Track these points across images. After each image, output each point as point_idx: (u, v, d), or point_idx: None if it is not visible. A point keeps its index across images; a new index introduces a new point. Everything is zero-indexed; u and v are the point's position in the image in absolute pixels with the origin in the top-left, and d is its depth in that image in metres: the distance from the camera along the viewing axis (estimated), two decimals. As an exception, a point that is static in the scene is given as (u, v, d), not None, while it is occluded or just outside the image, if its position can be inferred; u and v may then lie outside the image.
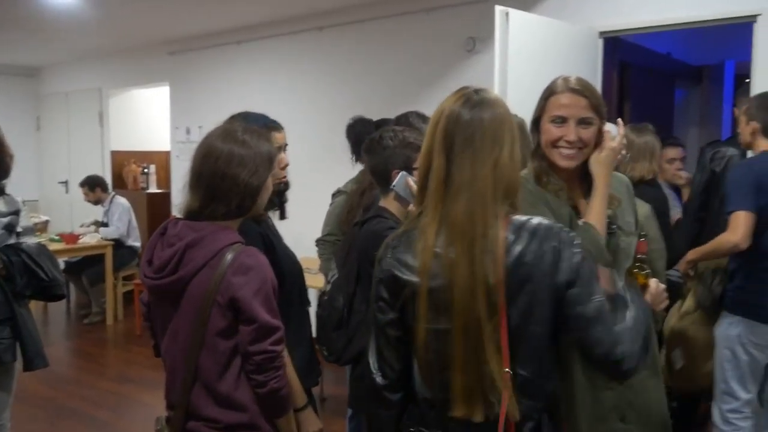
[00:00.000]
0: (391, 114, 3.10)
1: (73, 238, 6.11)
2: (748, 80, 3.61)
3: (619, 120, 1.84)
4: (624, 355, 1.30)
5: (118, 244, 6.28)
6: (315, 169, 5.27)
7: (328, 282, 2.39)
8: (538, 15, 3.95)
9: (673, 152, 3.76)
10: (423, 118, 2.82)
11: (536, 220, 1.33)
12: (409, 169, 2.08)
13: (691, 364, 3.03)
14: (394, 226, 1.96)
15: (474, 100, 1.37)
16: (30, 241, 2.64)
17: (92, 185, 6.37)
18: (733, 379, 2.77)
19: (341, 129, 3.26)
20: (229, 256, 1.63)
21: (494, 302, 1.28)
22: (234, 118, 1.98)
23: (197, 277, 1.64)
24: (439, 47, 4.81)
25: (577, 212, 1.75)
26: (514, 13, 3.44)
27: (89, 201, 6.46)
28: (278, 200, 2.04)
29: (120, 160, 7.87)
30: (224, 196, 1.66)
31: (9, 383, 2.68)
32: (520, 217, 1.33)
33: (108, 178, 7.32)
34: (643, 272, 1.61)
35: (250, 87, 6.15)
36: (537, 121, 1.77)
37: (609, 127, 1.76)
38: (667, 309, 2.80)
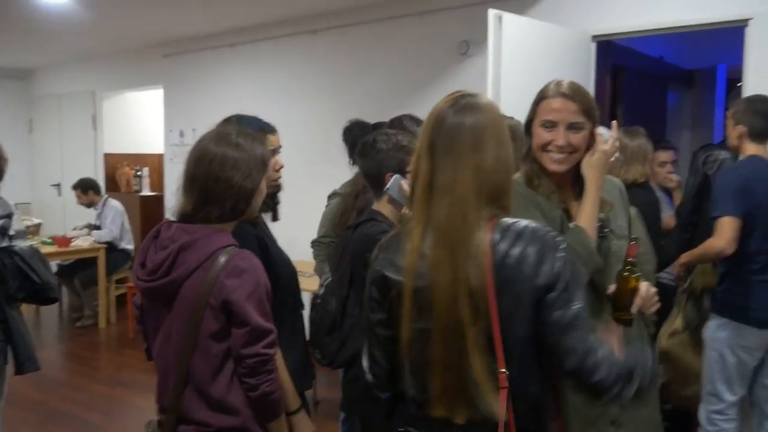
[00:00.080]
0: (385, 117, 3.11)
1: (65, 241, 6.09)
2: (740, 84, 3.63)
3: (614, 122, 1.86)
4: (596, 366, 1.28)
5: (110, 247, 6.26)
6: (309, 172, 5.28)
7: (321, 285, 2.40)
8: (532, 18, 3.97)
9: (664, 155, 3.79)
10: (417, 121, 2.83)
11: (524, 222, 1.33)
12: (403, 172, 2.08)
13: (672, 384, 3.08)
14: (387, 230, 1.96)
15: (459, 104, 1.37)
16: (22, 244, 2.63)
17: (85, 188, 6.35)
18: (720, 381, 2.79)
19: (335, 132, 3.27)
20: (222, 259, 1.63)
21: (478, 306, 1.28)
22: (228, 121, 1.98)
23: (190, 279, 1.63)
24: (433, 50, 4.82)
25: (568, 215, 1.76)
26: (507, 16, 3.45)
27: (82, 204, 6.44)
28: (271, 202, 2.04)
29: (113, 162, 7.85)
30: (218, 199, 1.66)
31: (0, 386, 2.67)
32: (507, 220, 1.34)
33: (101, 181, 7.29)
34: (634, 275, 1.62)
35: (243, 90, 6.15)
36: (529, 124, 1.78)
37: (601, 130, 1.77)
38: (661, 316, 2.82)
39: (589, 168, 1.73)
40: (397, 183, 2.09)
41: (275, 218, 2.10)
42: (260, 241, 1.91)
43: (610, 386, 1.30)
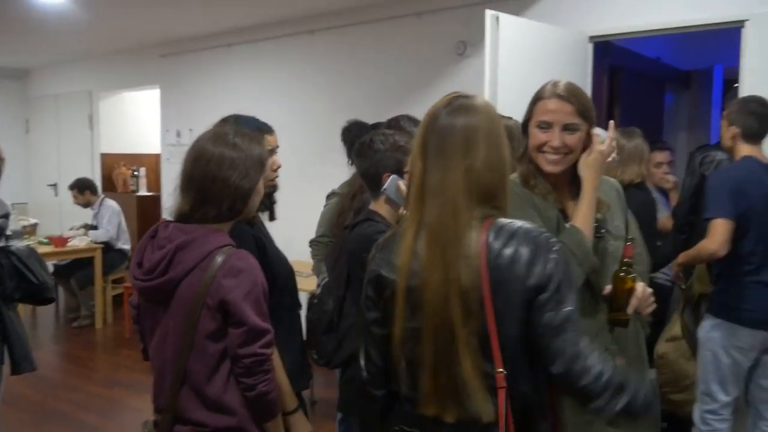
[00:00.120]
0: (383, 117, 3.11)
1: (62, 241, 6.08)
2: (736, 85, 3.64)
3: (611, 123, 1.86)
4: (584, 370, 1.27)
5: (107, 247, 6.25)
6: (306, 172, 5.28)
7: (318, 285, 2.40)
8: (529, 19, 3.97)
9: (660, 156, 3.80)
10: (414, 121, 2.83)
11: (518, 223, 1.34)
12: (400, 173, 2.09)
13: (664, 387, 3.09)
14: (384, 230, 1.96)
15: (453, 106, 1.38)
16: (19, 244, 2.63)
17: (81, 188, 6.34)
18: (714, 381, 2.80)
19: (332, 132, 3.27)
20: (219, 259, 1.63)
21: (469, 306, 1.29)
22: (225, 121, 1.98)
23: (187, 279, 1.63)
24: (431, 51, 4.83)
25: (565, 215, 1.76)
26: (504, 17, 3.45)
27: (78, 204, 6.43)
28: (268, 202, 2.04)
29: (110, 162, 7.84)
30: (215, 199, 1.66)
31: (-3, 387, 2.67)
32: (502, 220, 1.34)
33: (98, 181, 7.27)
34: (630, 276, 1.62)
35: (241, 90, 6.15)
36: (526, 124, 1.79)
37: (597, 131, 1.77)
38: (658, 317, 2.82)
39: (586, 168, 1.73)
40: (394, 183, 2.09)
41: (272, 218, 2.11)
42: (257, 241, 1.91)
43: (597, 393, 1.29)
